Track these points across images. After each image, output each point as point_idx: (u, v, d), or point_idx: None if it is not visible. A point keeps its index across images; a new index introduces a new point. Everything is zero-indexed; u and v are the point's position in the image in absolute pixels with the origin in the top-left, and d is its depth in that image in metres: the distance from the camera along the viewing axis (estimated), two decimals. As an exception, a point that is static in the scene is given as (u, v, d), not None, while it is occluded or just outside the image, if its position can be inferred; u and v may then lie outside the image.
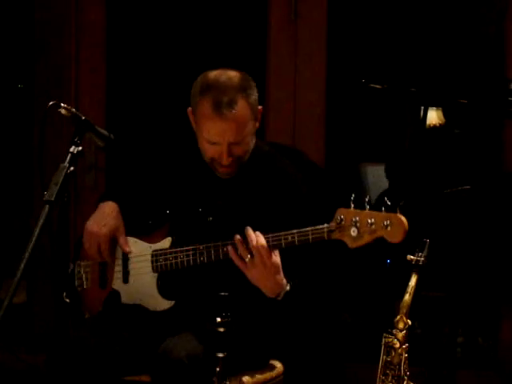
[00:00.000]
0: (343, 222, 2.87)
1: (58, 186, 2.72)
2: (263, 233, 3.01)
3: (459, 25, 4.75)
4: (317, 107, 4.65)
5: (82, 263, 3.42)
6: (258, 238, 3.00)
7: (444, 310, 3.36)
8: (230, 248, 3.05)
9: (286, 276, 3.06)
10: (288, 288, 3.06)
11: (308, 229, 2.95)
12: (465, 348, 4.75)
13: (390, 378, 2.85)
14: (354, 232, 2.85)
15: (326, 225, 2.91)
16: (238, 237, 3.04)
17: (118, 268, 3.40)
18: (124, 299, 3.38)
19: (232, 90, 3.15)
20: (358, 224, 2.84)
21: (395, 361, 2.84)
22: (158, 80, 4.26)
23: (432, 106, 3.92)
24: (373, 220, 2.82)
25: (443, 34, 4.72)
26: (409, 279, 2.87)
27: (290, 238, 2.98)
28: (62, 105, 2.85)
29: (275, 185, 3.26)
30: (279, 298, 3.06)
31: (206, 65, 3.31)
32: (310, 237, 2.95)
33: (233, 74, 3.20)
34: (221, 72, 3.22)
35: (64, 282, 2.80)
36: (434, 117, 4.08)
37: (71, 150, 2.80)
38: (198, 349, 3.02)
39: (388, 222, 2.79)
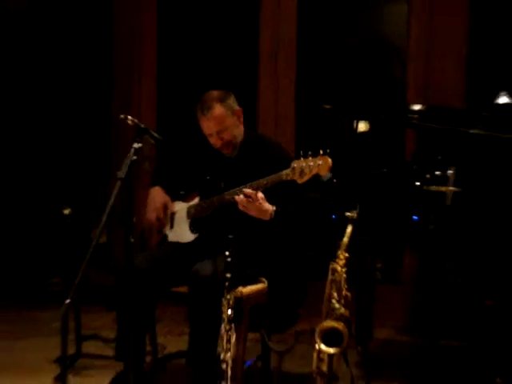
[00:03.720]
0: (295, 168, 2.91)
1: (127, 168, 2.73)
2: (249, 183, 3.06)
3: (378, 70, 4.78)
4: (289, 116, 4.65)
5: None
6: (246, 189, 3.04)
7: (369, 247, 3.36)
8: (236, 198, 3.06)
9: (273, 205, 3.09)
10: (275, 208, 3.07)
11: (273, 175, 3.00)
12: (382, 271, 4.77)
13: (334, 289, 2.86)
14: (301, 173, 2.90)
15: (284, 171, 2.96)
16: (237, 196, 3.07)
17: (168, 221, 3.42)
18: (170, 238, 3.42)
19: (210, 100, 3.18)
20: (303, 167, 2.89)
21: (338, 279, 2.84)
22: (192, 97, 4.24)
23: (361, 119, 3.91)
24: (311, 163, 2.87)
25: (371, 77, 4.74)
26: (346, 227, 2.90)
27: (264, 182, 3.02)
28: (129, 117, 2.86)
29: (265, 156, 3.24)
30: (272, 217, 3.07)
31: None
32: (272, 180, 3.00)
33: (214, 91, 3.22)
34: (208, 91, 3.23)
35: (131, 229, 2.79)
36: (362, 126, 4.07)
37: (134, 145, 2.80)
38: (217, 269, 3.00)
39: (320, 162, 2.86)
